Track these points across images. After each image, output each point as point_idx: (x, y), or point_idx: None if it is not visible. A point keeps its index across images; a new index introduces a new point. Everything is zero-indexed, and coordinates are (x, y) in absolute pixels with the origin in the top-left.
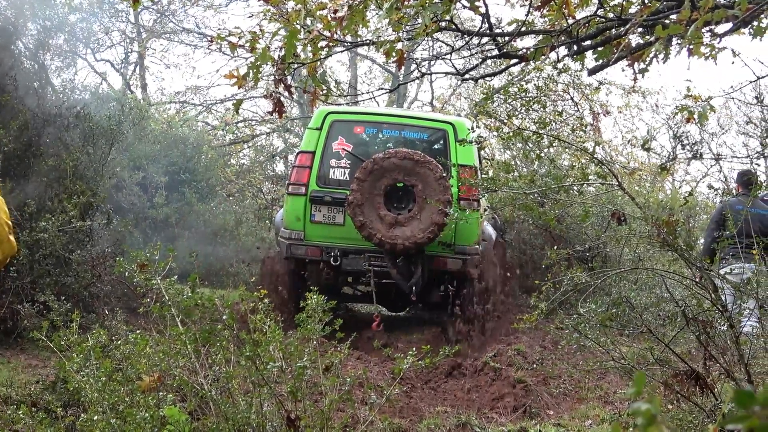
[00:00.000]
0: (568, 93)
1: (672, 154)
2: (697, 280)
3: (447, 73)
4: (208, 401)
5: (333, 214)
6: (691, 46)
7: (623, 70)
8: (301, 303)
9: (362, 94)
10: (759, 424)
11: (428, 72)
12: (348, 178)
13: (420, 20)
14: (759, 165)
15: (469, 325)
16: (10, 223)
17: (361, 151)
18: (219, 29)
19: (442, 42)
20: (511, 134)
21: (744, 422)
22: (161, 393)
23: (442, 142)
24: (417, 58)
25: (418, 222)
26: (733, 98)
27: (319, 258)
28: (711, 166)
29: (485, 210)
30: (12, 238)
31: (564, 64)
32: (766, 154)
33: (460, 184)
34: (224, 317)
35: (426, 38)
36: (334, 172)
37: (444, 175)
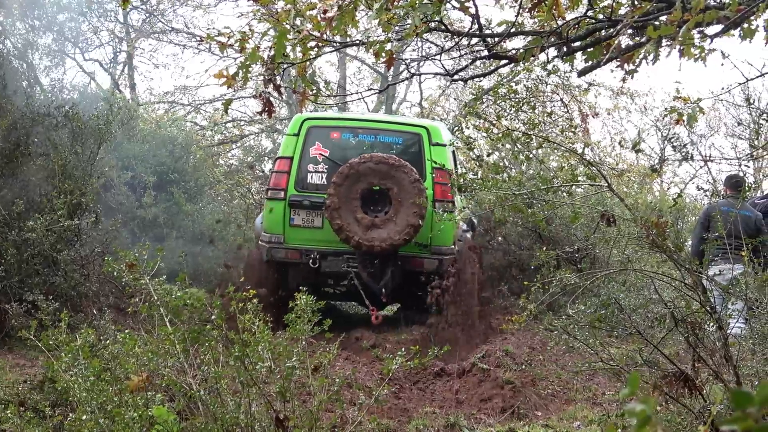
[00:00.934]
0: (558, 94)
1: (661, 155)
2: (688, 281)
3: (436, 74)
4: (196, 401)
5: (312, 217)
6: (682, 47)
7: (612, 72)
8: (281, 303)
9: (351, 94)
10: (755, 425)
11: (417, 73)
12: (326, 183)
13: (410, 21)
14: (748, 167)
15: (448, 324)
16: None
17: (337, 155)
18: (209, 29)
19: (432, 42)
20: (500, 135)
21: (739, 423)
22: (150, 393)
23: (416, 145)
24: (406, 59)
25: (394, 224)
26: (721, 100)
27: (299, 260)
28: (700, 167)
29: (461, 210)
30: None
31: (554, 65)
32: (755, 156)
33: (435, 192)
34: (213, 317)
35: (415, 39)
36: (311, 177)
37: (418, 178)
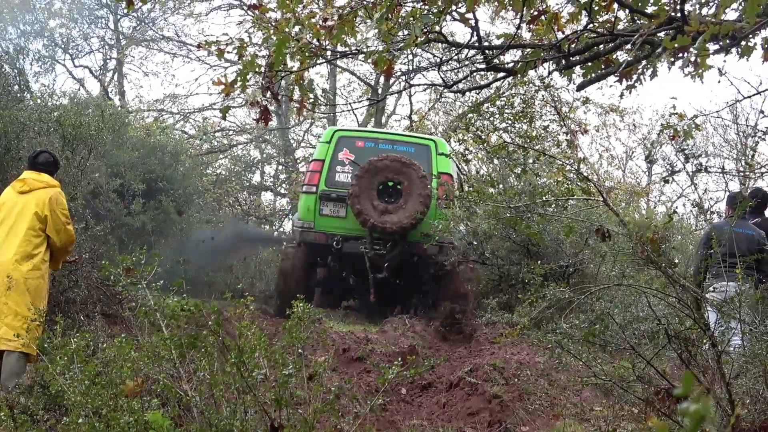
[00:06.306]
0: (554, 108)
1: (648, 172)
2: (681, 298)
3: (433, 85)
4: (191, 407)
5: (337, 208)
6: (696, 60)
7: (602, 88)
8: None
9: (348, 104)
10: None
11: (414, 84)
12: (350, 181)
13: (408, 31)
14: (744, 185)
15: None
16: (67, 213)
17: (361, 160)
18: (206, 36)
19: (429, 53)
20: (497, 147)
21: None
22: (145, 398)
23: (425, 155)
24: (396, 72)
25: (404, 211)
26: (707, 116)
27: (325, 242)
28: (687, 186)
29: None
30: (70, 227)
31: (550, 79)
32: (748, 175)
33: (439, 192)
34: (210, 323)
35: (408, 51)
36: (339, 176)
37: (425, 174)
